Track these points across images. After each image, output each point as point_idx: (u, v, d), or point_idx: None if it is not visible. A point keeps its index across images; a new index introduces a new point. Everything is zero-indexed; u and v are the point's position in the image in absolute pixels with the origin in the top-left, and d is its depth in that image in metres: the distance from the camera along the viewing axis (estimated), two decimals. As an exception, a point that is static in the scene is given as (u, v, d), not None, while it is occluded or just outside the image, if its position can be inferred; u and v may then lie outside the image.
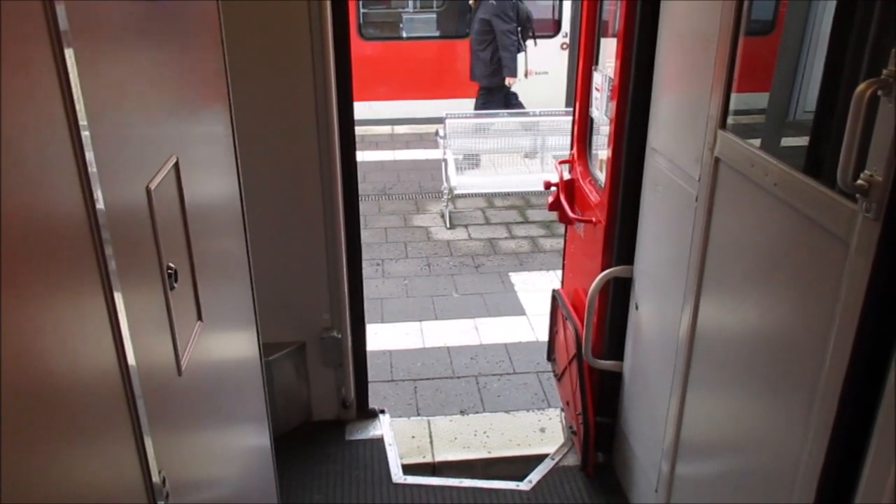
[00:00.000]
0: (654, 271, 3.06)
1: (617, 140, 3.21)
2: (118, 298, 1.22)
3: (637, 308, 3.25)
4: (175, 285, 1.54)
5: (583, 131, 4.03)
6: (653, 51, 2.94)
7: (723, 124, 2.29)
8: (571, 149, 4.15)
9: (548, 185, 4.16)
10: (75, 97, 1.10)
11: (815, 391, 1.76)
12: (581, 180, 3.93)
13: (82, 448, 1.13)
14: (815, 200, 1.78)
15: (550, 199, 4.11)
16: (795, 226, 1.88)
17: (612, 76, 3.35)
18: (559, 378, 4.24)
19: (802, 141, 2.27)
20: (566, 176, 4.07)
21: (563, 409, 4.24)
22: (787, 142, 2.61)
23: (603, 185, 3.50)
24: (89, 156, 1.14)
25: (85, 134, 1.12)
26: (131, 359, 1.27)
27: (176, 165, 1.60)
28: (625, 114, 3.12)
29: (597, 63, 3.83)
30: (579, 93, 4.00)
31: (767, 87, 2.58)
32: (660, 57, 2.89)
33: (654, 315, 3.10)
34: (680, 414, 2.72)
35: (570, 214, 3.87)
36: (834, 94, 2.01)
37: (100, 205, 1.16)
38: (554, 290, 4.33)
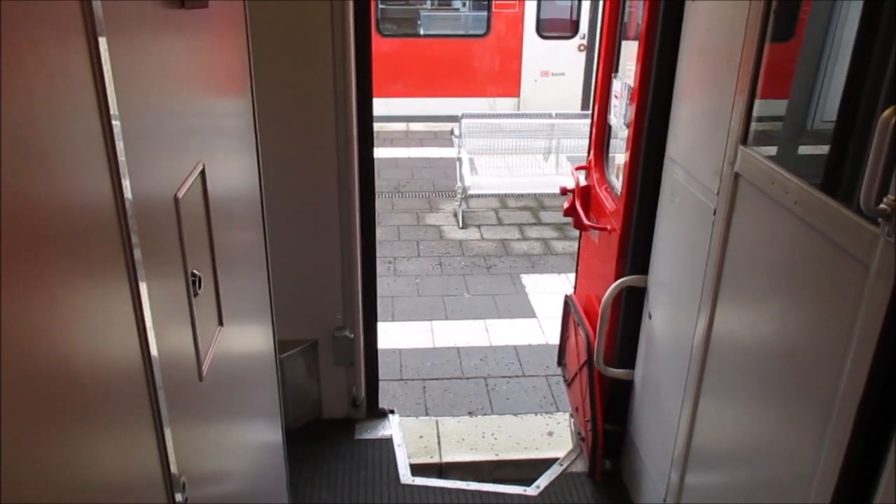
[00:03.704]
0: (669, 282, 3.06)
1: (635, 148, 3.20)
2: (144, 300, 1.24)
3: (650, 318, 3.25)
4: (199, 291, 1.56)
5: (600, 138, 4.03)
6: (675, 56, 2.93)
7: (744, 139, 2.29)
8: (588, 155, 4.16)
9: (564, 191, 4.16)
10: (107, 87, 1.11)
11: (831, 405, 1.76)
12: (597, 187, 3.93)
13: (105, 437, 1.14)
14: (835, 221, 1.78)
15: (566, 204, 4.12)
16: (814, 245, 1.88)
17: (631, 83, 3.34)
18: (569, 384, 4.25)
19: (819, 150, 2.26)
20: (582, 182, 4.07)
21: (572, 415, 4.25)
22: (804, 150, 2.60)
23: (619, 193, 3.50)
24: (119, 145, 1.14)
25: (116, 124, 1.13)
26: (155, 355, 1.29)
27: (202, 173, 1.62)
28: (643, 121, 3.11)
29: (617, 70, 3.82)
30: (598, 99, 3.99)
31: (785, 94, 2.57)
32: (681, 66, 2.88)
33: (667, 325, 3.10)
34: (691, 423, 2.73)
35: (585, 221, 3.88)
36: (855, 108, 2.00)
37: (128, 195, 1.18)
38: (566, 296, 4.33)
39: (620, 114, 3.64)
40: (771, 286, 2.16)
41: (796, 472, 1.96)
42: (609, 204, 3.68)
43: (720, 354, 2.52)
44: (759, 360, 2.23)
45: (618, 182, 3.67)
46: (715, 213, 2.49)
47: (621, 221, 3.34)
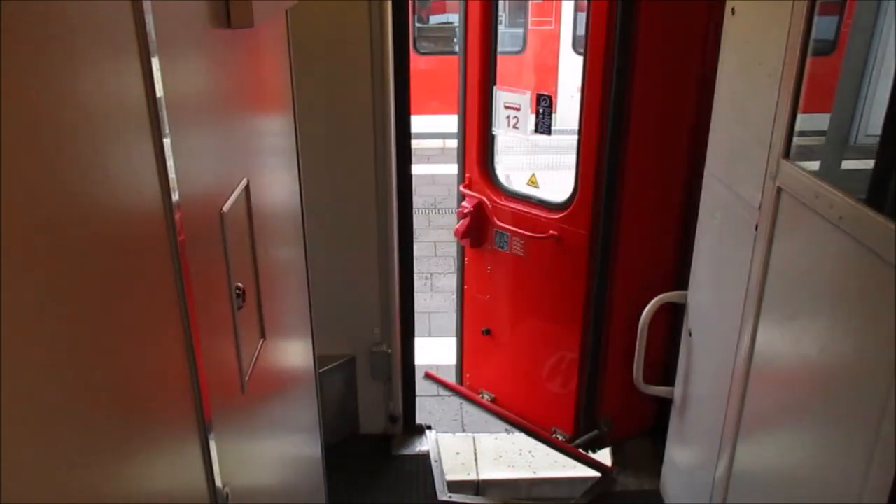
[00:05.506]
0: (710, 298, 3.02)
1: (599, 153, 3.33)
2: (192, 311, 1.26)
3: (690, 335, 3.20)
4: (242, 304, 1.58)
5: (483, 152, 4.06)
6: (630, 56, 3.07)
7: (786, 153, 2.26)
8: (466, 172, 4.15)
9: (463, 213, 4.10)
10: (160, 105, 1.14)
11: (878, 428, 1.72)
12: (498, 202, 3.97)
13: (153, 447, 1.17)
14: (882, 236, 1.74)
15: (464, 224, 4.07)
16: (860, 260, 1.84)
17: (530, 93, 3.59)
18: None
19: (864, 164, 2.22)
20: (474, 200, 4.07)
21: None
22: (847, 164, 2.56)
23: (553, 201, 3.69)
24: (170, 163, 1.17)
25: (167, 141, 1.16)
26: (201, 366, 1.31)
27: (247, 188, 1.65)
28: (599, 126, 3.18)
29: (495, 81, 3.91)
30: (477, 112, 4.00)
31: (827, 108, 2.54)
32: (720, 81, 2.86)
33: (708, 342, 3.05)
34: (734, 443, 2.68)
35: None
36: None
37: (177, 209, 1.20)
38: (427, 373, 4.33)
39: (525, 124, 3.73)
40: (816, 302, 2.12)
41: (842, 497, 1.91)
42: (540, 213, 3.71)
43: (763, 373, 2.48)
44: (804, 379, 2.18)
45: (534, 190, 3.84)
46: (757, 229, 2.45)
47: (588, 225, 3.34)
